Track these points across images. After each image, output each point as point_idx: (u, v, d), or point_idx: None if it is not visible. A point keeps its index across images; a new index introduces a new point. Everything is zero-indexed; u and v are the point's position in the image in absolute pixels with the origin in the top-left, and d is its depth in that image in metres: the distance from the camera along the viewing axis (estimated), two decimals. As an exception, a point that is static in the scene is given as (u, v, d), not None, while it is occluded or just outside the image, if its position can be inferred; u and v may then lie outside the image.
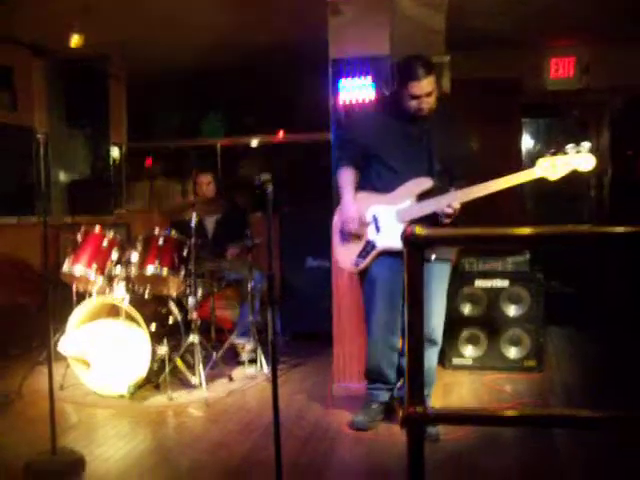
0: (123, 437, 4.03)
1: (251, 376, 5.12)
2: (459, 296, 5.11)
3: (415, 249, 1.49)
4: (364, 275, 3.91)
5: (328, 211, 4.15)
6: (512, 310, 5.10)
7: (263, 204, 3.13)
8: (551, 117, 8.18)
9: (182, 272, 4.88)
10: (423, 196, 3.65)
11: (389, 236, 3.71)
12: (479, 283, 5.15)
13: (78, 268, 4.73)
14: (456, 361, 5.17)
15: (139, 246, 4.86)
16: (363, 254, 3.81)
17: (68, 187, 7.53)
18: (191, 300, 4.88)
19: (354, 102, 4.63)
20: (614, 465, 3.42)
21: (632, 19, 6.23)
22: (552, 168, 3.39)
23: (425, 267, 3.63)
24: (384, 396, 4.02)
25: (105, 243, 4.85)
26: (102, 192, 7.69)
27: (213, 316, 5.43)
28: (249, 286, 5.28)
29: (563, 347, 5.82)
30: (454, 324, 4.99)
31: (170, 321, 4.99)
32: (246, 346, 5.31)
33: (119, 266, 4.85)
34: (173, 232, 4.96)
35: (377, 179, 3.80)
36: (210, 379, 4.83)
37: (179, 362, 4.84)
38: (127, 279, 4.82)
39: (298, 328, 6.15)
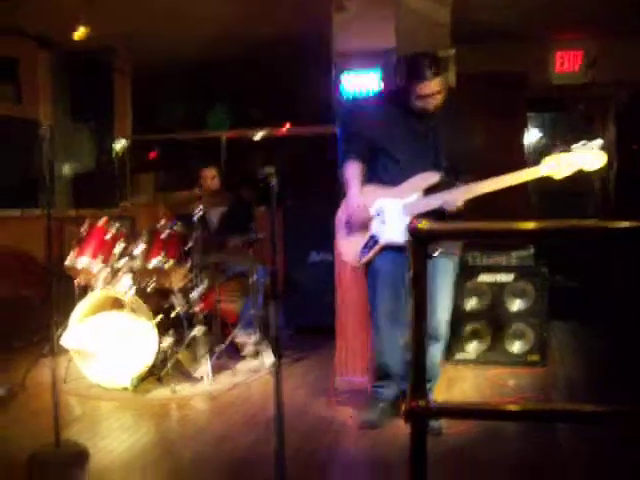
0: (127, 430, 4.04)
1: (254, 369, 5.13)
2: (463, 290, 5.10)
3: (419, 243, 1.48)
4: (368, 269, 3.90)
5: (332, 205, 4.14)
6: (516, 304, 5.10)
7: (267, 197, 3.12)
8: (556, 111, 8.15)
9: (186, 265, 4.89)
10: (430, 190, 3.64)
11: (394, 230, 3.70)
12: (483, 277, 5.15)
13: (82, 261, 4.74)
14: (459, 355, 5.17)
15: (144, 239, 4.87)
16: (367, 247, 3.80)
17: (72, 180, 7.54)
18: (195, 293, 4.88)
19: (359, 95, 4.62)
20: (617, 460, 3.41)
21: (638, 12, 6.20)
22: (557, 167, 3.35)
23: (430, 261, 3.64)
24: (391, 393, 3.98)
25: (109, 236, 4.86)
26: (106, 185, 7.69)
27: (217, 309, 5.43)
28: (252, 279, 5.28)
29: (567, 342, 5.82)
30: (458, 318, 4.97)
31: (174, 314, 4.99)
32: (249, 339, 5.32)
33: (124, 259, 4.86)
34: (178, 225, 4.97)
35: (383, 173, 3.79)
36: (214, 372, 4.83)
37: (183, 355, 4.85)
38: (132, 272, 4.83)
39: (301, 322, 6.15)
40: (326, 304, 4.99)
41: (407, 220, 3.54)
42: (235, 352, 5.34)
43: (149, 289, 4.92)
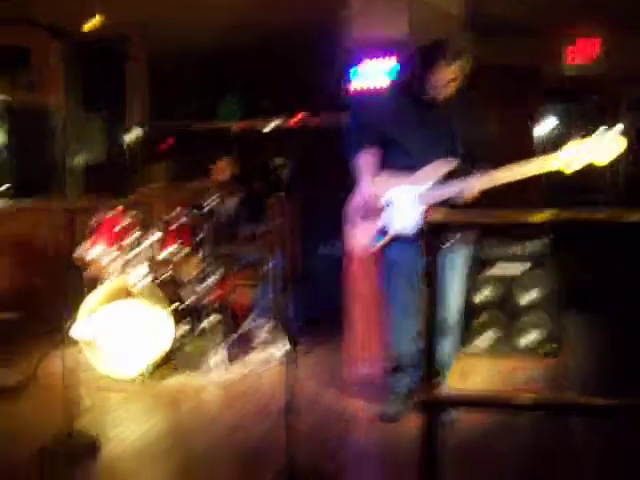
0: (138, 419, 4.07)
1: (266, 359, 5.14)
2: (476, 281, 5.09)
3: (433, 233, 1.48)
4: (382, 258, 3.88)
5: (344, 196, 4.12)
6: (530, 295, 5.08)
7: (278, 188, 3.12)
8: (569, 103, 8.10)
9: (200, 254, 4.91)
10: (444, 179, 3.62)
11: (407, 219, 3.67)
12: (497, 268, 5.13)
13: (96, 250, 4.76)
14: (473, 346, 5.15)
15: (157, 228, 4.89)
16: (379, 236, 3.78)
17: (85, 170, 7.55)
18: (209, 282, 4.90)
19: (371, 86, 4.61)
20: (630, 451, 3.40)
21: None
22: (573, 158, 3.29)
23: (444, 252, 3.63)
24: (407, 384, 3.95)
25: (123, 225, 4.88)
26: (119, 175, 7.71)
27: (229, 299, 5.45)
28: (265, 269, 5.29)
29: (581, 333, 5.79)
30: (471, 309, 4.97)
31: (187, 302, 5.00)
32: (262, 329, 5.33)
33: (137, 248, 4.88)
34: (191, 215, 4.98)
35: (395, 163, 3.76)
36: (227, 361, 4.85)
37: (195, 344, 4.86)
38: (145, 261, 4.84)
39: (312, 313, 6.14)
40: (336, 295, 4.99)
41: (421, 209, 3.56)
42: (247, 342, 5.35)
43: (163, 278, 4.94)
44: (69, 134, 6.83)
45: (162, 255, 4.78)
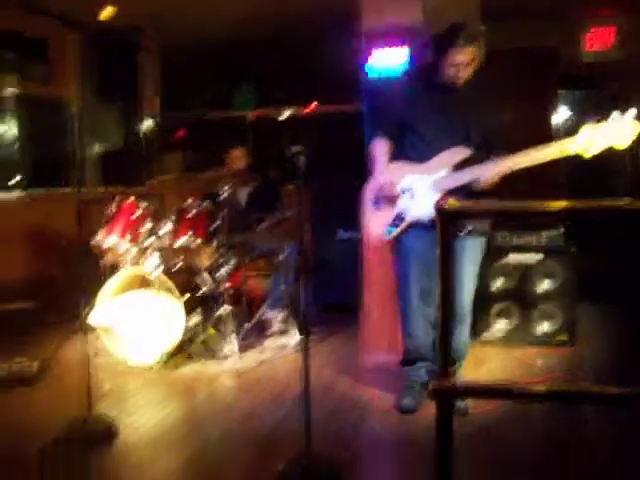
0: (154, 406, 4.10)
1: (281, 347, 5.16)
2: (491, 269, 5.07)
3: (447, 221, 1.48)
4: (398, 247, 3.86)
5: (359, 183, 4.12)
6: (544, 284, 5.06)
7: (294, 176, 3.12)
8: (587, 89, 8.03)
9: (214, 243, 4.92)
10: (459, 166, 3.60)
11: (423, 206, 3.65)
12: (512, 257, 5.11)
13: (112, 239, 4.79)
14: (487, 335, 5.15)
15: (172, 217, 4.91)
16: (395, 223, 3.76)
17: (100, 159, 7.59)
18: (223, 271, 4.92)
19: (387, 73, 4.59)
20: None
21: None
22: (592, 139, 3.26)
23: (459, 240, 3.62)
24: (424, 376, 3.94)
25: (138, 214, 4.91)
26: (134, 164, 7.74)
27: (245, 287, 5.47)
28: (281, 257, 5.30)
29: (595, 322, 5.77)
30: (486, 298, 4.96)
31: (202, 292, 5.03)
32: (277, 317, 5.35)
33: (152, 237, 4.90)
34: (205, 204, 4.99)
35: (411, 150, 3.75)
36: (241, 349, 4.88)
37: (211, 332, 4.89)
38: (160, 250, 4.87)
39: (328, 300, 6.16)
40: (353, 282, 4.99)
41: (436, 196, 3.55)
42: (262, 330, 5.37)
43: (177, 267, 4.97)
44: (85, 124, 6.86)
45: (176, 244, 4.79)
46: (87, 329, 3.69)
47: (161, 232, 4.89)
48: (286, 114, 8.30)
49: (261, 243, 5.58)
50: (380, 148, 3.84)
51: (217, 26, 7.22)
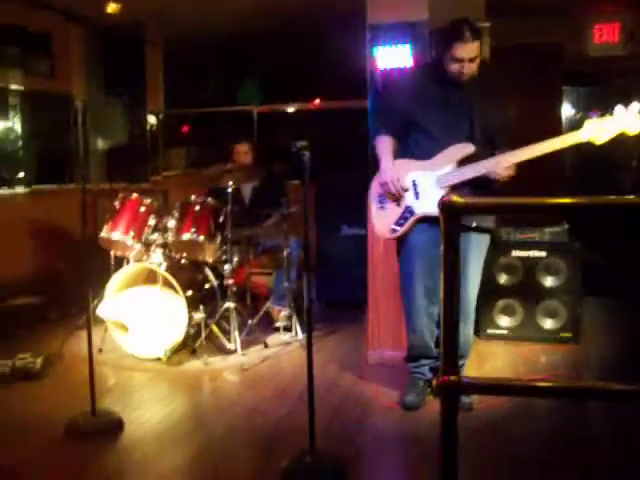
0: (159, 401, 4.11)
1: (286, 343, 5.16)
2: (495, 266, 5.07)
3: (452, 217, 1.47)
4: (402, 243, 3.86)
5: (364, 179, 4.12)
6: (549, 281, 5.06)
7: (299, 171, 3.12)
8: (592, 85, 8.01)
9: (218, 239, 4.92)
10: (464, 162, 3.60)
11: (428, 202, 3.66)
12: (516, 253, 5.11)
13: (116, 234, 4.80)
14: (491, 331, 5.15)
15: (176, 213, 4.91)
16: (401, 220, 3.76)
17: (105, 154, 7.59)
18: (227, 266, 4.92)
19: (392, 69, 4.58)
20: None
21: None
22: (598, 131, 3.27)
23: (464, 236, 3.61)
24: (429, 373, 3.93)
25: (142, 209, 4.91)
26: (139, 159, 7.75)
27: (249, 282, 5.47)
28: (285, 253, 5.30)
29: (600, 319, 5.76)
30: (490, 294, 4.96)
31: (206, 287, 5.04)
32: (281, 313, 5.35)
33: (156, 232, 4.91)
34: (210, 199, 4.99)
35: (415, 146, 3.75)
36: (245, 345, 4.89)
37: (215, 328, 4.90)
38: (164, 245, 4.88)
39: (333, 296, 6.17)
40: (357, 278, 4.99)
41: (441, 192, 3.54)
42: (267, 325, 5.38)
43: (181, 263, 4.97)
44: (89, 120, 6.88)
45: (181, 239, 4.80)
46: (92, 324, 3.69)
47: (166, 227, 4.90)
48: (291, 110, 8.30)
49: (265, 239, 5.58)
50: (385, 144, 3.83)
51: (221, 20, 7.21)
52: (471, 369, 4.18)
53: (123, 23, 6.93)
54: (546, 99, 7.08)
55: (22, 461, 3.26)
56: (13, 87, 6.28)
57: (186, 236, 4.79)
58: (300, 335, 5.21)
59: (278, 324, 5.37)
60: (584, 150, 3.41)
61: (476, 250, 3.74)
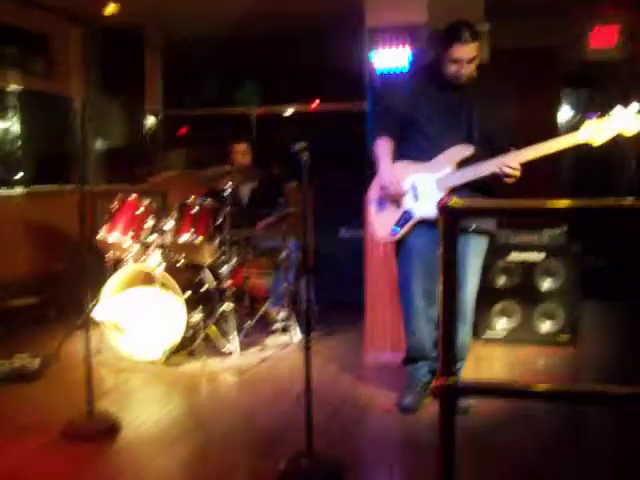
0: (156, 403, 4.11)
1: (283, 344, 5.16)
2: (494, 268, 5.07)
3: (450, 219, 1.47)
4: (401, 246, 3.85)
5: (363, 180, 4.12)
6: (547, 283, 5.06)
7: (298, 173, 3.12)
8: (591, 88, 8.01)
9: (216, 240, 4.92)
10: (463, 163, 3.60)
11: (427, 205, 3.66)
12: (514, 255, 5.11)
13: (114, 235, 4.79)
14: (489, 333, 5.15)
15: (174, 214, 4.91)
16: (401, 223, 3.76)
17: (103, 155, 7.59)
18: (225, 268, 4.92)
19: (390, 71, 4.59)
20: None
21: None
22: (597, 132, 3.28)
23: (463, 239, 3.61)
24: (427, 375, 3.92)
25: (141, 211, 4.91)
26: (138, 160, 7.74)
27: (247, 284, 5.47)
28: (283, 255, 5.30)
29: (598, 322, 5.77)
30: (488, 296, 4.96)
31: (204, 289, 5.03)
32: (279, 314, 5.35)
33: (154, 234, 4.91)
34: (208, 200, 4.99)
35: (415, 148, 3.74)
36: (243, 346, 4.88)
37: (213, 329, 4.90)
38: (162, 247, 4.87)
39: (331, 297, 6.17)
40: (356, 280, 4.99)
41: (441, 194, 3.54)
42: (264, 327, 5.38)
43: (179, 264, 4.97)
44: (88, 120, 6.88)
45: (179, 241, 4.79)
46: (90, 325, 3.68)
47: (164, 229, 4.90)
48: (290, 111, 8.30)
49: (264, 240, 5.58)
50: (384, 147, 3.83)
51: (220, 22, 7.21)
52: (469, 371, 4.18)
53: (122, 24, 6.92)
54: (544, 101, 7.10)
55: (18, 462, 3.25)
56: (11, 87, 6.27)
57: (184, 237, 4.79)
58: (298, 337, 5.21)
59: (276, 326, 5.37)
60: (582, 152, 3.41)
61: (475, 252, 3.74)
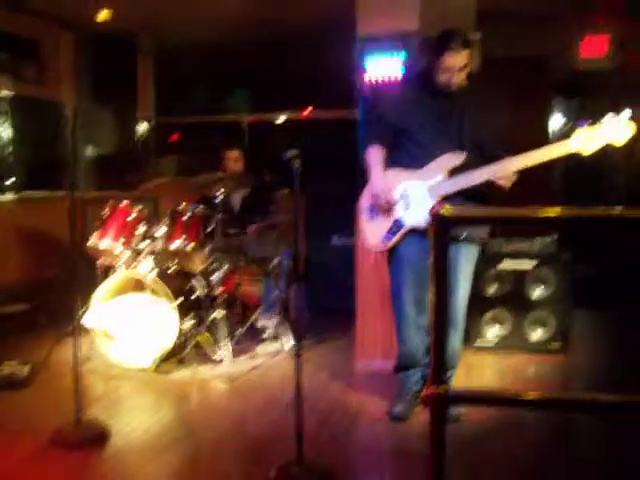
0: (146, 410, 4.09)
1: (274, 352, 5.15)
2: (485, 276, 5.08)
3: (442, 228, 1.47)
4: (392, 254, 3.85)
5: (355, 188, 4.12)
6: (538, 291, 5.07)
7: (289, 180, 3.13)
8: (582, 97, 8.06)
9: (208, 247, 4.91)
10: (455, 171, 3.60)
11: (419, 213, 3.66)
12: (505, 264, 5.12)
13: (105, 242, 4.78)
14: (480, 341, 5.15)
15: (166, 221, 4.90)
16: (392, 231, 3.76)
17: (95, 161, 7.58)
18: (216, 275, 4.91)
19: (382, 79, 4.59)
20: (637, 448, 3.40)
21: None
22: (588, 140, 3.29)
23: (454, 247, 3.61)
24: (418, 383, 3.91)
25: (132, 217, 4.90)
26: (129, 167, 7.73)
27: (238, 291, 5.46)
28: (274, 262, 5.29)
29: (589, 330, 5.78)
30: (479, 304, 4.96)
31: (195, 296, 5.02)
32: (270, 322, 5.34)
33: (145, 240, 4.90)
34: (200, 207, 4.98)
35: (406, 156, 3.74)
36: (234, 354, 4.87)
37: (204, 337, 4.88)
38: (153, 254, 4.86)
39: (322, 305, 6.16)
40: (347, 288, 4.99)
41: (432, 202, 3.55)
42: (255, 335, 5.36)
43: (170, 271, 4.95)
44: (79, 126, 6.84)
45: (170, 248, 4.78)
46: (80, 332, 3.67)
47: (155, 235, 4.88)
48: (282, 118, 8.32)
49: (255, 247, 5.57)
50: (375, 155, 3.83)
51: (212, 30, 7.22)
52: (459, 379, 4.18)
53: (114, 31, 6.93)
54: (535, 110, 7.13)
55: (6, 470, 3.23)
56: (2, 93, 6.26)
57: (175, 244, 4.78)
58: (289, 344, 5.20)
59: (267, 333, 5.36)
60: (572, 161, 3.43)
61: (466, 258, 3.75)
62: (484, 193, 3.62)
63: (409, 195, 3.72)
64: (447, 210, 1.46)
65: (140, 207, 5.00)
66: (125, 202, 4.95)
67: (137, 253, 4.88)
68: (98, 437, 3.53)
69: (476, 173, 3.52)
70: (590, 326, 5.88)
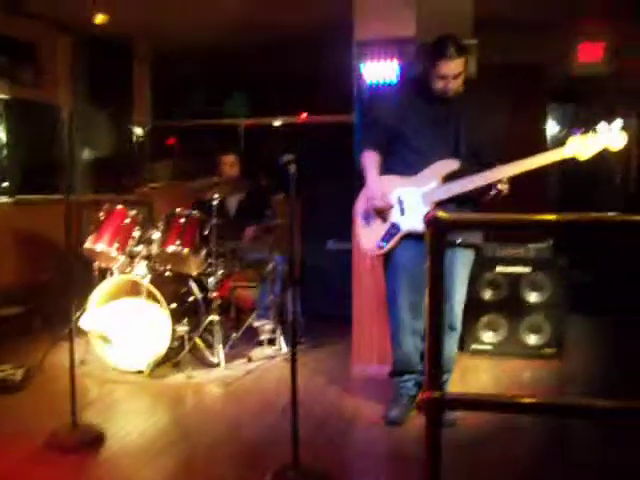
0: (142, 414, 4.08)
1: (270, 356, 5.15)
2: (480, 281, 5.09)
3: (437, 233, 1.48)
4: (388, 259, 3.86)
5: (350, 193, 4.12)
6: (533, 297, 5.08)
7: (285, 185, 3.13)
8: (577, 103, 8.08)
9: (203, 251, 4.90)
10: (449, 178, 3.61)
11: (414, 218, 3.67)
12: (500, 269, 5.13)
13: (100, 245, 4.77)
14: (475, 346, 5.16)
15: (161, 225, 4.90)
16: (387, 237, 3.77)
17: (91, 165, 7.57)
18: (211, 279, 4.90)
19: (378, 84, 4.60)
20: (633, 454, 3.40)
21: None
22: (582, 147, 3.32)
23: (450, 252, 3.62)
24: (413, 388, 3.91)
25: (127, 221, 4.89)
26: (125, 170, 7.72)
27: (233, 296, 5.45)
28: (270, 266, 5.29)
29: (584, 335, 5.79)
30: (474, 309, 4.96)
31: (190, 300, 5.01)
32: (265, 326, 5.33)
33: (141, 245, 4.89)
34: (195, 211, 4.98)
35: (401, 162, 3.75)
36: (229, 358, 4.86)
37: (199, 341, 4.88)
38: (148, 258, 4.85)
39: (318, 310, 6.16)
40: (342, 292, 4.99)
41: (427, 208, 3.56)
42: (251, 339, 5.36)
43: (165, 275, 4.95)
44: (75, 130, 6.84)
45: (166, 251, 4.78)
46: (74, 336, 3.66)
47: (150, 239, 4.88)
48: (278, 123, 8.32)
49: (250, 252, 5.57)
50: (370, 160, 3.84)
51: (209, 34, 7.23)
52: (455, 384, 4.18)
53: (111, 35, 6.92)
54: (531, 116, 7.14)
55: (1, 474, 3.22)
56: (-1, 96, 6.26)
57: (171, 248, 4.77)
58: (284, 349, 5.20)
59: (262, 337, 5.35)
60: (568, 166, 3.45)
61: (462, 263, 3.75)
62: (476, 200, 3.64)
63: (404, 201, 3.73)
64: (443, 214, 1.46)
65: (135, 211, 4.99)
66: (120, 206, 4.95)
67: (132, 257, 4.87)
68: (93, 440, 3.52)
69: (470, 180, 3.53)
70: (586, 332, 5.89)
